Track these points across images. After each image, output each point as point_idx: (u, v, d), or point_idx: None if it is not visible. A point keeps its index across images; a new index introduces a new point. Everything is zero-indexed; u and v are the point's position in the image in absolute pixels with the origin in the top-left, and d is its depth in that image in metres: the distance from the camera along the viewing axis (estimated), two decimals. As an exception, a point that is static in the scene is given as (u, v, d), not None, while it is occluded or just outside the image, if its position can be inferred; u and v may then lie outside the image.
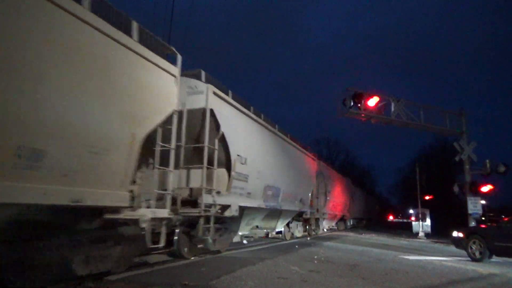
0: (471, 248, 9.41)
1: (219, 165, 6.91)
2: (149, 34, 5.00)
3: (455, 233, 10.34)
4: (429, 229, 22.84)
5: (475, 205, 14.28)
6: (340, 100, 13.34)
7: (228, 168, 7.11)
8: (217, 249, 7.47)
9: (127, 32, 4.50)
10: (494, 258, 9.29)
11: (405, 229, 28.69)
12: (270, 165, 9.36)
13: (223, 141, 6.88)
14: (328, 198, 16.97)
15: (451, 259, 9.40)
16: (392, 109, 14.08)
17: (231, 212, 7.04)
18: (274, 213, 10.10)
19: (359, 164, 61.03)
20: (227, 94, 7.38)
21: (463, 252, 9.74)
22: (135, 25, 4.69)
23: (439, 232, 22.72)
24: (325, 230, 20.01)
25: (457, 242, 10.22)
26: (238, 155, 7.24)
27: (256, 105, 8.86)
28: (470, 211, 14.27)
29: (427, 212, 23.42)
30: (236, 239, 8.77)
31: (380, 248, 11.73)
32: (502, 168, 13.86)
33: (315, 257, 7.70)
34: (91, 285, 4.13)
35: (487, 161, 14.47)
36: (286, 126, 11.14)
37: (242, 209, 7.73)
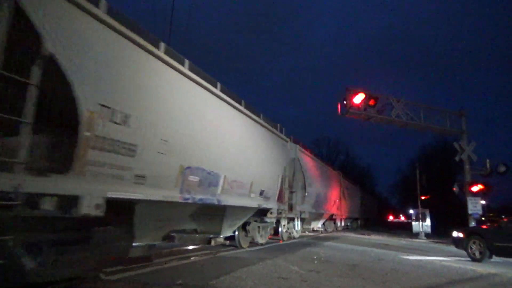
0: (471, 248, 9.41)
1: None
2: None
3: (455, 233, 10.34)
4: (429, 229, 22.81)
5: (475, 205, 14.30)
6: (340, 100, 13.37)
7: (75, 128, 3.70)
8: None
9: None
10: (494, 258, 9.29)
11: (405, 229, 28.69)
12: (198, 138, 5.79)
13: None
14: (307, 192, 13.25)
15: (451, 259, 9.40)
16: (392, 109, 14.10)
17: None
18: (212, 211, 6.80)
19: (359, 164, 61.09)
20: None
21: (463, 252, 9.74)
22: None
23: (439, 232, 22.72)
24: (307, 232, 17.08)
25: (457, 242, 10.22)
26: (102, 105, 3.88)
27: (256, 105, 8.85)
28: (470, 211, 14.29)
29: (427, 212, 23.40)
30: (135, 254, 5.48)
31: (380, 248, 11.73)
32: (502, 168, 13.90)
33: (315, 257, 7.70)
34: (91, 285, 4.13)
35: (487, 161, 14.51)
36: (286, 126, 11.07)
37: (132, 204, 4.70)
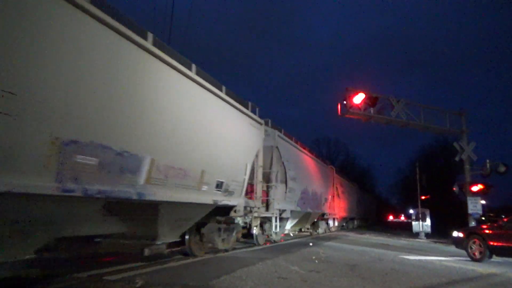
0: (471, 248, 9.41)
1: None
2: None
3: (455, 233, 10.34)
4: (429, 229, 22.81)
5: (475, 205, 14.30)
6: (340, 100, 13.37)
7: None
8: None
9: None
10: (494, 258, 9.29)
11: (405, 229, 28.69)
12: (94, 96, 3.88)
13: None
14: (289, 188, 11.18)
15: (451, 259, 9.40)
16: (392, 109, 14.10)
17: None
18: (139, 209, 4.97)
19: (359, 164, 61.13)
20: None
21: (463, 252, 9.74)
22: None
23: (439, 232, 22.72)
24: (292, 234, 14.99)
25: (457, 242, 10.22)
26: None
27: (256, 105, 8.86)
28: (470, 211, 14.29)
29: (427, 212, 23.40)
30: None
31: (380, 248, 11.73)
32: (502, 168, 13.89)
33: (315, 257, 7.70)
34: (91, 285, 4.13)
35: (487, 161, 14.50)
36: (286, 126, 11.02)
37: None
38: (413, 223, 23.75)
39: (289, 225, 12.79)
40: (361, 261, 7.56)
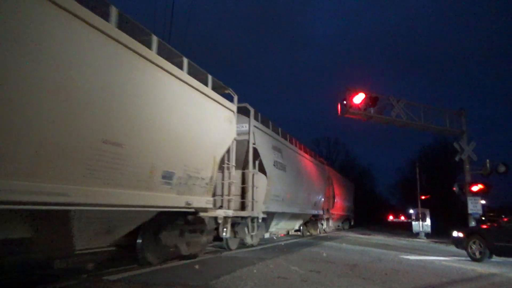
0: (471, 248, 9.41)
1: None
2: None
3: (455, 233, 10.34)
4: (429, 229, 22.82)
5: (475, 205, 14.30)
6: (340, 100, 13.37)
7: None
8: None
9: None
10: (494, 258, 9.29)
11: (405, 229, 28.69)
12: None
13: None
14: (270, 185, 9.61)
15: (451, 259, 9.40)
16: (392, 109, 14.11)
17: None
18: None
19: (359, 164, 61.07)
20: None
21: (463, 252, 9.74)
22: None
23: (439, 232, 22.72)
24: (275, 237, 13.23)
25: (457, 242, 10.22)
26: None
27: (256, 105, 8.81)
28: (470, 211, 14.29)
29: (427, 212, 23.42)
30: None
31: (380, 248, 11.73)
32: (502, 168, 13.89)
33: (315, 257, 7.70)
34: (91, 285, 4.13)
35: (487, 161, 14.50)
36: (286, 125, 10.91)
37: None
38: (413, 223, 23.76)
39: (273, 226, 11.51)
40: (361, 261, 7.56)
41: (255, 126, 9.10)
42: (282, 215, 11.39)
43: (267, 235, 11.83)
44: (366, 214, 53.90)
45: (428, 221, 23.06)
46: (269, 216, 10.23)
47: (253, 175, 8.93)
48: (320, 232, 17.00)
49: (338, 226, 24.01)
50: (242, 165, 8.91)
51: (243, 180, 8.96)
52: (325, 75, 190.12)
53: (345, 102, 13.22)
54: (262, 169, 9.35)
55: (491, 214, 22.24)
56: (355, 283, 4.99)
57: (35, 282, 4.15)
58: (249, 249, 8.76)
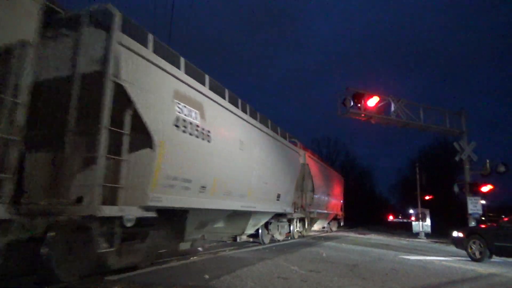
0: (471, 248, 9.40)
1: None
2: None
3: (455, 233, 10.34)
4: (429, 229, 22.84)
5: (475, 205, 14.29)
6: (340, 100, 13.36)
7: None
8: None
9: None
10: (494, 258, 9.29)
11: (405, 229, 28.69)
12: None
13: None
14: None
15: (451, 259, 9.40)
16: (392, 109, 14.10)
17: None
18: None
19: (359, 164, 61.07)
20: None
21: (463, 252, 9.74)
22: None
23: (439, 232, 22.72)
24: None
25: (457, 242, 10.22)
26: None
27: (256, 105, 8.69)
28: (470, 211, 14.28)
29: (427, 212, 23.42)
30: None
31: (380, 248, 11.73)
32: (502, 168, 13.88)
33: (315, 257, 7.70)
34: (91, 285, 4.12)
35: (487, 161, 14.50)
36: (286, 125, 10.81)
37: None
38: (413, 223, 23.79)
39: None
40: (361, 261, 7.55)
41: (123, 45, 4.66)
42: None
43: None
44: (366, 214, 54.01)
45: (428, 221, 23.07)
46: (181, 216, 6.18)
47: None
48: (294, 237, 12.99)
49: (324, 227, 20.25)
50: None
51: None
52: (325, 75, 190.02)
53: (345, 102, 13.18)
54: (143, 130, 5.02)
55: (491, 214, 22.24)
56: (355, 283, 4.99)
57: (35, 282, 4.15)
58: (249, 249, 8.75)
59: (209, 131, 6.47)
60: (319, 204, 15.44)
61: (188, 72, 6.16)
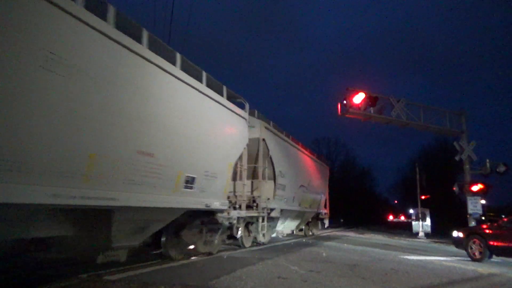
0: (471, 248, 9.41)
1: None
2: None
3: (455, 233, 10.34)
4: (429, 229, 22.86)
5: (475, 205, 14.29)
6: (340, 100, 13.35)
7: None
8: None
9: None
10: (494, 258, 9.29)
11: (405, 229, 28.71)
12: None
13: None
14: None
15: (451, 259, 9.40)
16: (392, 109, 14.09)
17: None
18: None
19: (359, 164, 61.04)
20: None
21: (463, 252, 9.74)
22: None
23: (439, 232, 22.74)
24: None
25: (457, 242, 10.22)
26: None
27: (256, 104, 8.60)
28: (470, 211, 14.28)
29: (427, 212, 23.43)
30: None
31: (380, 248, 11.73)
32: (502, 168, 13.88)
33: (315, 257, 7.70)
34: (91, 285, 4.13)
35: (487, 161, 14.49)
36: (286, 125, 10.77)
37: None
38: (413, 223, 23.81)
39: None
40: (361, 261, 7.55)
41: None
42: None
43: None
44: (366, 214, 54.04)
45: (428, 221, 23.09)
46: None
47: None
48: (243, 245, 9.00)
49: (301, 229, 15.06)
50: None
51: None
52: (325, 75, 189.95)
53: (345, 102, 13.18)
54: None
55: (491, 214, 22.24)
56: (355, 283, 4.99)
57: (35, 282, 4.15)
58: (249, 249, 8.76)
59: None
60: (285, 198, 11.16)
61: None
